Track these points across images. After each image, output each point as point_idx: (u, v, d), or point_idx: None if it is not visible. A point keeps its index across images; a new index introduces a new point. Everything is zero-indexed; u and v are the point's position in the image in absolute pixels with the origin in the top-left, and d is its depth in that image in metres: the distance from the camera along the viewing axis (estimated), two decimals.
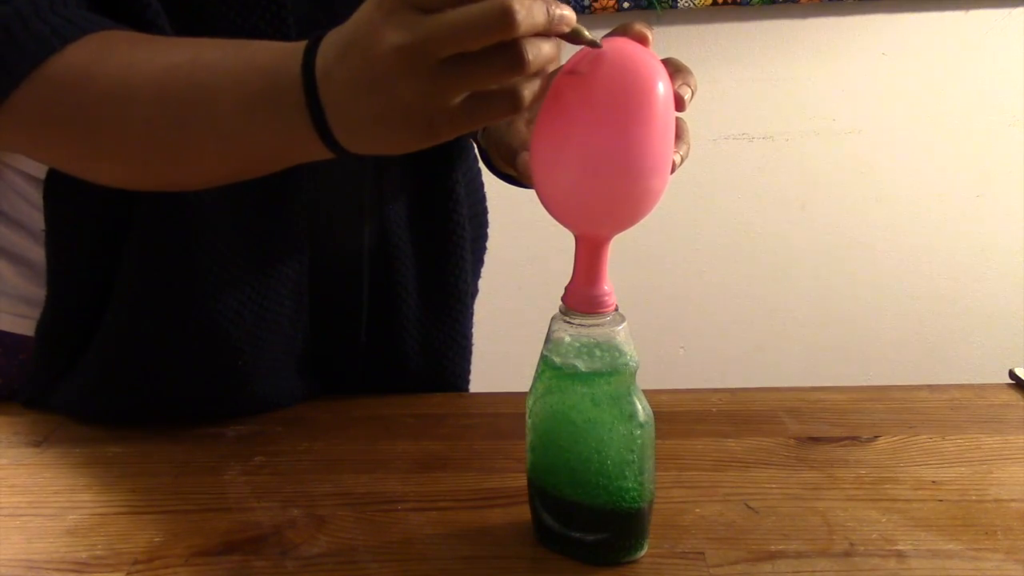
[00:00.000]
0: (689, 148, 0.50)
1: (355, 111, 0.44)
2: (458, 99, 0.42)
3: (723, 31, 1.69)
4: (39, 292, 0.67)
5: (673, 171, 0.47)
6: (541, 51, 0.42)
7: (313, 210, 0.66)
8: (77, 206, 0.63)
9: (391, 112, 0.43)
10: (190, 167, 0.53)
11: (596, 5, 1.61)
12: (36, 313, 0.67)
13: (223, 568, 0.51)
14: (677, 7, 1.64)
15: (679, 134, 0.48)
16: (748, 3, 1.65)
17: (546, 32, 0.42)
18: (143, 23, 0.56)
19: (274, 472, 0.61)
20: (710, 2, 1.64)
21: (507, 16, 0.39)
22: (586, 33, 0.44)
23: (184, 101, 0.49)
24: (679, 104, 0.46)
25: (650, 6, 1.63)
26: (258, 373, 0.67)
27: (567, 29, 0.43)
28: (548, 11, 0.41)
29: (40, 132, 0.54)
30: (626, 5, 1.62)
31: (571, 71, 0.44)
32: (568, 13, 0.43)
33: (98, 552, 0.53)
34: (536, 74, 0.43)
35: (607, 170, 0.44)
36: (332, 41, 0.45)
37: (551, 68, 0.44)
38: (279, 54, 0.47)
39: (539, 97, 0.44)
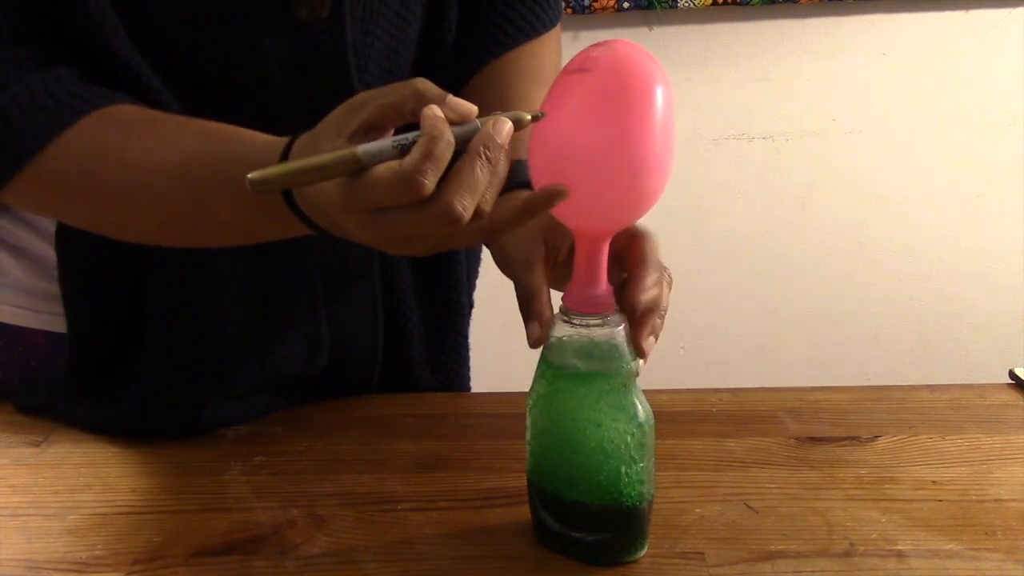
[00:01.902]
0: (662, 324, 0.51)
1: (341, 235, 0.49)
2: (432, 247, 0.47)
3: (723, 31, 1.69)
4: (40, 284, 0.67)
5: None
6: (494, 193, 0.44)
7: (322, 249, 0.66)
8: (89, 259, 0.63)
9: (373, 246, 0.48)
10: (196, 243, 0.58)
11: (596, 5, 1.61)
12: (37, 305, 0.67)
13: (223, 568, 0.51)
14: (677, 7, 1.64)
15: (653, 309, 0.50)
16: (748, 3, 1.65)
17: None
18: (134, 83, 0.57)
19: (274, 472, 0.61)
20: (710, 2, 1.64)
21: (453, 218, 0.43)
22: (526, 118, 0.45)
23: (182, 206, 0.53)
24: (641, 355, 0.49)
25: (650, 6, 1.63)
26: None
27: (507, 143, 0.44)
28: (488, 159, 0.43)
29: (45, 209, 0.60)
30: (626, 5, 1.62)
31: (571, 71, 0.45)
32: (503, 134, 0.44)
33: (98, 552, 0.53)
34: (517, 211, 0.46)
35: (604, 168, 0.44)
36: None
37: (533, 201, 0.46)
38: (262, 157, 0.50)
39: (517, 223, 0.47)
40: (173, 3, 0.56)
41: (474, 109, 0.45)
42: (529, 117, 0.45)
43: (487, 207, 0.44)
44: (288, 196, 0.49)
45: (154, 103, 0.57)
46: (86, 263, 0.63)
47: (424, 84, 0.44)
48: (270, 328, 0.64)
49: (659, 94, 0.44)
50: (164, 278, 0.62)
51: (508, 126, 0.44)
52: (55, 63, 0.54)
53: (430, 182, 0.42)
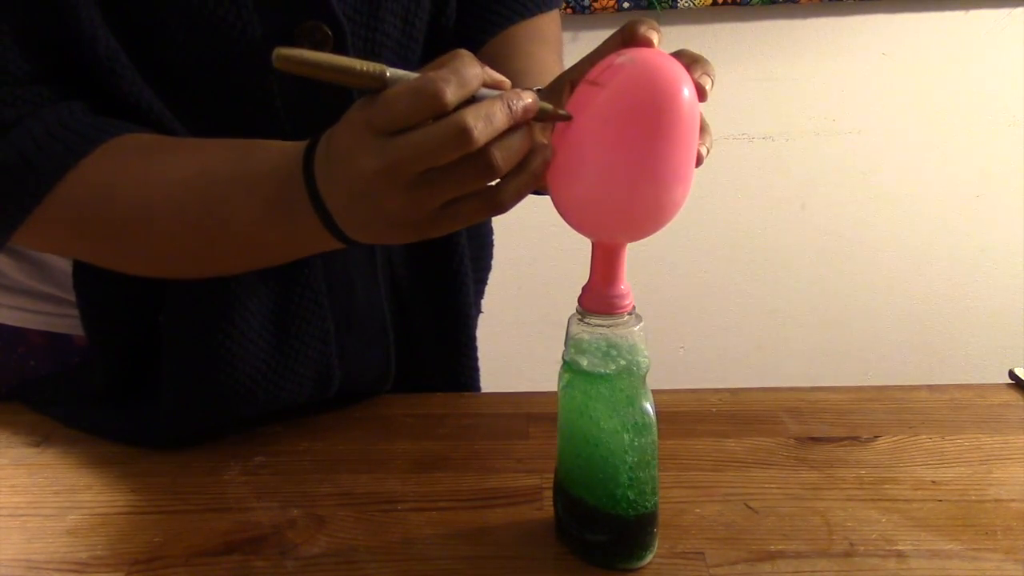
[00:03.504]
0: (711, 139, 0.49)
1: (352, 216, 0.48)
2: (438, 204, 0.45)
3: (723, 31, 1.69)
4: (38, 286, 0.67)
5: (700, 164, 0.46)
6: (511, 149, 0.44)
7: (335, 286, 0.66)
8: (109, 300, 0.64)
9: (380, 219, 0.47)
10: (214, 266, 0.57)
11: (596, 5, 1.61)
12: (36, 306, 0.67)
13: (223, 568, 0.51)
14: (677, 7, 1.64)
15: (700, 128, 0.47)
16: (748, 3, 1.65)
17: (512, 128, 0.44)
18: (145, 118, 0.57)
19: (274, 472, 0.61)
20: (710, 2, 1.64)
21: (464, 134, 0.41)
22: (551, 108, 0.45)
23: (202, 216, 0.53)
24: (701, 95, 0.45)
25: (650, 6, 1.63)
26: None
27: (531, 116, 0.44)
28: (509, 108, 0.43)
29: (64, 244, 0.59)
30: (626, 5, 1.62)
31: (593, 82, 0.43)
32: (529, 101, 0.44)
33: (98, 552, 0.53)
34: (522, 174, 0.45)
35: (630, 182, 0.43)
36: (321, 152, 0.48)
37: (533, 158, 0.45)
38: (284, 159, 0.50)
39: (523, 192, 0.46)
40: (182, 45, 0.56)
41: (508, 82, 0.45)
42: (551, 109, 0.45)
43: (500, 160, 0.43)
44: (308, 171, 0.48)
45: (166, 133, 0.57)
46: (106, 303, 0.64)
47: (466, 52, 0.44)
48: (282, 365, 0.64)
49: (685, 103, 0.42)
50: (180, 316, 0.62)
51: (534, 95, 0.44)
52: (68, 98, 0.55)
53: (451, 94, 0.41)
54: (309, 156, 0.49)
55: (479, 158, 0.43)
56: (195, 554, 0.52)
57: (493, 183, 0.46)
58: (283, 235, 0.52)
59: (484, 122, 0.42)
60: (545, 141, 0.46)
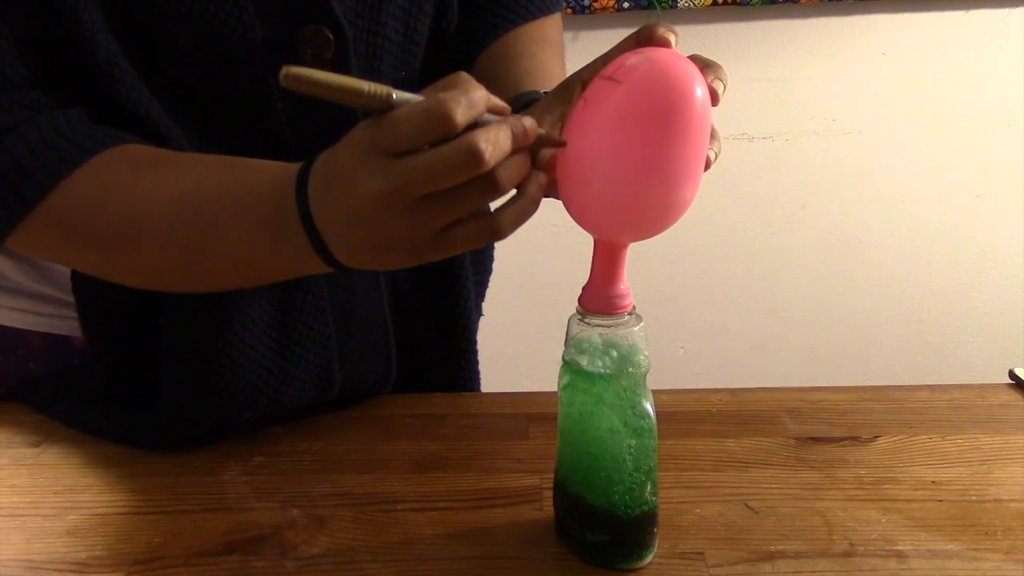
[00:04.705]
0: (720, 144, 0.49)
1: (346, 240, 0.48)
2: (438, 228, 0.45)
3: (723, 31, 1.69)
4: (39, 288, 0.67)
5: (708, 168, 0.46)
6: (512, 169, 0.44)
7: (336, 289, 0.66)
8: (108, 302, 0.63)
9: (378, 243, 0.46)
10: (203, 283, 0.57)
11: (596, 5, 1.61)
12: (36, 307, 0.67)
13: (223, 568, 0.51)
14: (677, 7, 1.64)
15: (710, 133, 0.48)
16: (748, 3, 1.65)
17: (514, 151, 0.44)
18: (144, 124, 0.57)
19: (274, 472, 0.61)
20: (710, 2, 1.64)
21: (476, 156, 0.42)
22: (545, 134, 0.46)
23: (192, 234, 0.52)
24: (713, 99, 0.45)
25: (650, 6, 1.63)
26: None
27: (530, 141, 0.45)
28: (512, 133, 0.43)
29: (56, 252, 0.58)
30: (626, 5, 1.62)
31: (609, 78, 0.43)
32: (530, 126, 0.45)
33: (98, 552, 0.53)
34: (520, 199, 0.46)
35: (640, 178, 0.43)
36: (318, 174, 0.48)
37: (530, 183, 0.46)
38: (277, 181, 0.50)
39: (522, 217, 0.46)
40: (183, 49, 0.56)
41: (508, 107, 0.46)
42: (546, 135, 0.46)
43: (504, 179, 0.44)
44: (301, 194, 0.48)
45: (164, 143, 0.57)
46: (105, 306, 0.63)
47: (468, 75, 0.44)
48: (283, 369, 0.64)
49: (698, 104, 0.42)
50: (180, 321, 0.62)
51: (532, 121, 0.45)
52: (65, 105, 0.54)
53: (461, 115, 0.41)
54: (303, 178, 0.49)
55: (483, 179, 0.43)
56: (195, 554, 0.52)
57: (492, 210, 0.46)
58: (273, 257, 0.52)
59: (493, 145, 0.42)
60: (544, 132, 0.46)
